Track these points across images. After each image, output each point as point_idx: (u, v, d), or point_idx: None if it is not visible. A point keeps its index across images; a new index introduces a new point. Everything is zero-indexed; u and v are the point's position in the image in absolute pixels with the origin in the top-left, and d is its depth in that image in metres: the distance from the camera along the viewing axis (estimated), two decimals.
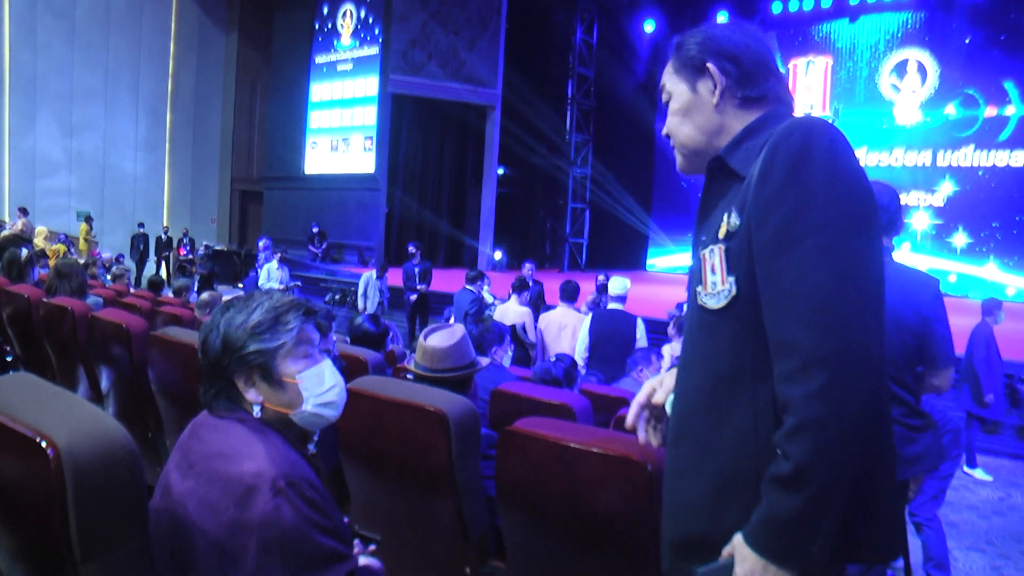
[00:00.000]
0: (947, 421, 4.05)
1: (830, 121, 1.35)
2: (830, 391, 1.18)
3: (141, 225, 18.73)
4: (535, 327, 7.32)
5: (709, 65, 1.49)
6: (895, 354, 2.61)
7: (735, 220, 1.35)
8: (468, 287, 8.47)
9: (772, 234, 1.27)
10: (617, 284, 6.80)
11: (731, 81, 1.49)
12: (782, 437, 1.22)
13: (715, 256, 1.38)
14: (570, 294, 7.24)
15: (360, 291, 11.76)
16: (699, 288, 1.41)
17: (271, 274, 11.61)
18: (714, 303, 1.37)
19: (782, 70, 1.60)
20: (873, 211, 1.30)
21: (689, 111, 1.53)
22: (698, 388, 1.40)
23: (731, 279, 1.35)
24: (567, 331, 7.03)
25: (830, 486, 1.19)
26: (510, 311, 7.57)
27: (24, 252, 6.27)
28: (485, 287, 8.86)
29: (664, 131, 1.60)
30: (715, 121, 1.50)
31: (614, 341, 6.32)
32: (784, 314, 1.24)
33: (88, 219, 17.73)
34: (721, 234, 1.37)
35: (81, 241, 16.98)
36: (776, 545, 1.21)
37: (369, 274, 11.86)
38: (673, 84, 1.56)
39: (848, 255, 1.23)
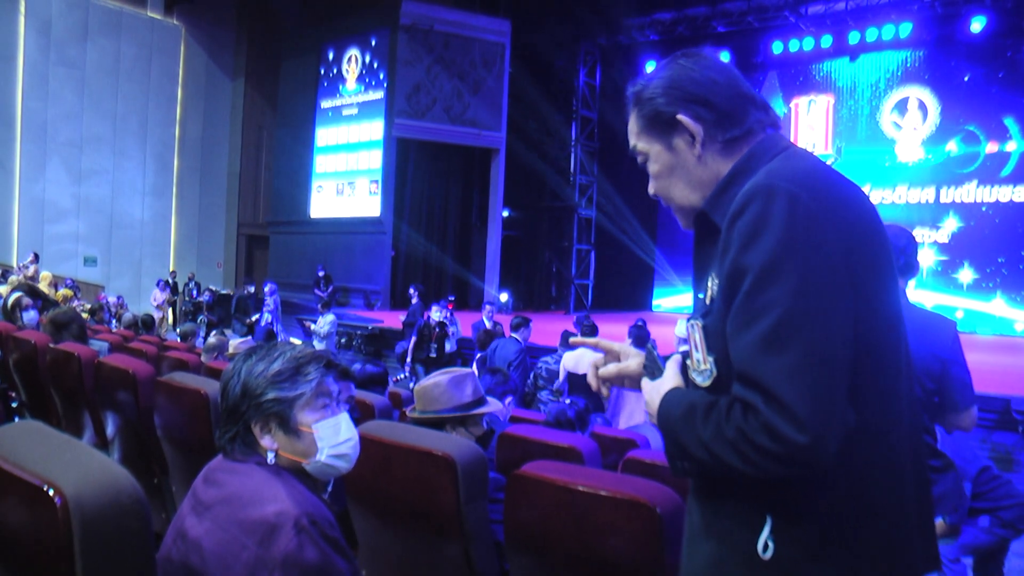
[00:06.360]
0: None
1: (831, 160, 1.32)
2: (770, 442, 1.14)
3: (191, 278, 18.78)
4: None
5: (680, 117, 1.37)
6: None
7: (714, 287, 1.30)
8: (513, 335, 8.16)
9: (733, 314, 1.22)
10: (683, 327, 6.79)
11: (708, 127, 1.37)
12: (738, 404, 1.20)
13: (696, 332, 1.33)
14: (644, 339, 7.05)
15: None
16: (689, 362, 1.36)
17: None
18: (700, 380, 1.32)
19: (765, 98, 1.45)
20: (853, 264, 1.21)
21: (673, 170, 1.42)
22: None
23: (711, 359, 1.30)
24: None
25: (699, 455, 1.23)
26: (585, 358, 6.98)
27: (13, 297, 6.27)
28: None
29: (651, 192, 1.50)
30: (702, 174, 1.39)
31: None
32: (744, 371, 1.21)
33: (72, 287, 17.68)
34: (708, 300, 1.32)
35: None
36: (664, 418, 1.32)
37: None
38: (646, 144, 1.44)
39: (807, 334, 1.15)
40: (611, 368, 1.57)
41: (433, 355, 10.71)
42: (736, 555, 1.28)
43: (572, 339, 1.71)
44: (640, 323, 8.35)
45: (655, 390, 1.39)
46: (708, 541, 1.33)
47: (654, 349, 1.51)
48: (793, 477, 1.18)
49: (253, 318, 14.12)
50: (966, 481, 3.81)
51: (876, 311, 1.26)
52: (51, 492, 1.31)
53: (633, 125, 1.46)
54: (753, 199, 1.23)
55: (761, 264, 1.19)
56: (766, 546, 1.24)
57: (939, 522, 3.35)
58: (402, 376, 10.48)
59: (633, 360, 1.54)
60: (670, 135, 1.40)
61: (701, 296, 1.36)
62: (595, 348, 1.64)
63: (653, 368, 1.46)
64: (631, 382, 1.55)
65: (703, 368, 1.31)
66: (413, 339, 10.96)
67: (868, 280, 1.25)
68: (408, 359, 10.92)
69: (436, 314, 10.97)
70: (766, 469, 1.16)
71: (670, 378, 1.40)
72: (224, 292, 19.39)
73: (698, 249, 1.42)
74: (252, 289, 14.57)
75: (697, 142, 1.38)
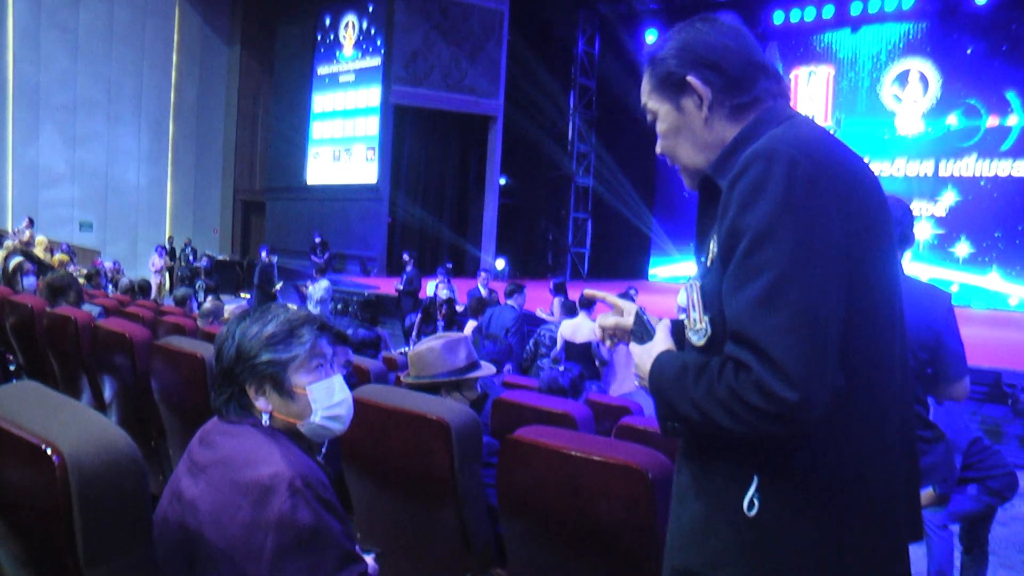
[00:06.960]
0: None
1: (832, 130, 1.33)
2: (761, 403, 1.17)
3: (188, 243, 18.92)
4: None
5: (690, 79, 1.39)
6: None
7: (714, 248, 1.32)
8: (509, 302, 8.15)
9: (729, 274, 1.25)
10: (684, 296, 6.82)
11: (717, 91, 1.39)
12: (733, 362, 1.21)
13: (694, 292, 1.36)
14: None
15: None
16: (686, 322, 1.39)
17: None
18: (696, 340, 1.35)
19: (777, 68, 1.48)
20: (850, 231, 1.23)
21: (680, 131, 1.44)
22: None
23: (706, 318, 1.33)
24: None
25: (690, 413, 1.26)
26: (583, 327, 7.03)
27: (15, 261, 6.28)
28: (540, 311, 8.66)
29: (658, 151, 1.52)
30: (708, 136, 1.42)
31: None
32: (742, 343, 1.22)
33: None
34: (708, 262, 1.35)
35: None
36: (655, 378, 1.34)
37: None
38: (656, 104, 1.46)
39: (800, 295, 1.17)
40: (610, 319, 1.58)
41: (441, 331, 10.80)
42: (723, 513, 1.30)
43: (587, 291, 1.74)
44: (632, 291, 8.35)
45: (646, 353, 1.41)
46: (696, 500, 1.35)
47: (643, 314, 1.53)
48: (781, 436, 1.20)
49: (278, 286, 14.15)
50: (957, 453, 3.85)
51: (872, 279, 1.28)
52: (49, 451, 1.32)
53: (645, 84, 1.48)
54: (754, 162, 1.25)
55: (758, 226, 1.21)
56: (751, 504, 1.27)
57: (928, 491, 3.40)
58: (406, 349, 10.58)
59: (632, 317, 1.57)
60: (679, 96, 1.42)
61: (703, 259, 1.38)
62: (604, 302, 1.68)
63: (641, 332, 1.49)
64: (629, 336, 1.57)
65: (699, 327, 1.34)
66: (419, 315, 11.06)
67: (865, 248, 1.27)
68: (414, 333, 11.04)
69: (443, 292, 11.02)
70: (756, 427, 1.19)
71: (661, 341, 1.43)
72: (220, 258, 19.37)
73: (701, 213, 1.45)
74: (275, 259, 14.55)
75: (705, 104, 1.40)
